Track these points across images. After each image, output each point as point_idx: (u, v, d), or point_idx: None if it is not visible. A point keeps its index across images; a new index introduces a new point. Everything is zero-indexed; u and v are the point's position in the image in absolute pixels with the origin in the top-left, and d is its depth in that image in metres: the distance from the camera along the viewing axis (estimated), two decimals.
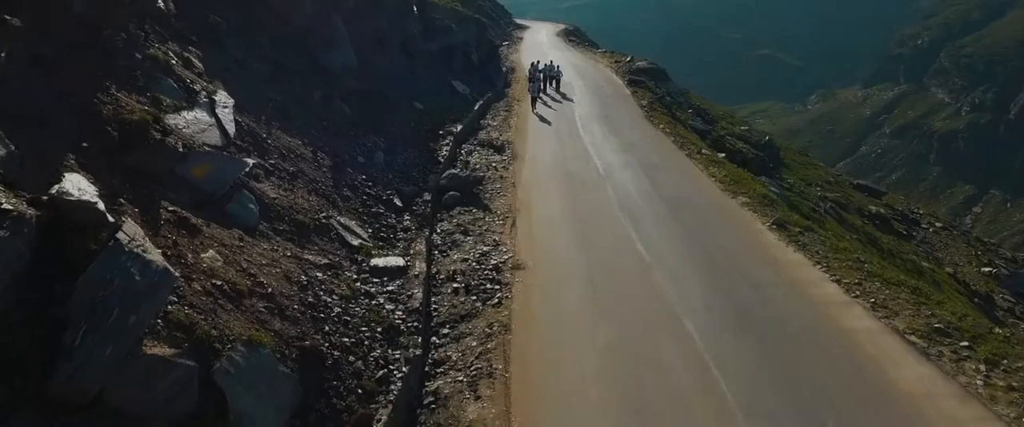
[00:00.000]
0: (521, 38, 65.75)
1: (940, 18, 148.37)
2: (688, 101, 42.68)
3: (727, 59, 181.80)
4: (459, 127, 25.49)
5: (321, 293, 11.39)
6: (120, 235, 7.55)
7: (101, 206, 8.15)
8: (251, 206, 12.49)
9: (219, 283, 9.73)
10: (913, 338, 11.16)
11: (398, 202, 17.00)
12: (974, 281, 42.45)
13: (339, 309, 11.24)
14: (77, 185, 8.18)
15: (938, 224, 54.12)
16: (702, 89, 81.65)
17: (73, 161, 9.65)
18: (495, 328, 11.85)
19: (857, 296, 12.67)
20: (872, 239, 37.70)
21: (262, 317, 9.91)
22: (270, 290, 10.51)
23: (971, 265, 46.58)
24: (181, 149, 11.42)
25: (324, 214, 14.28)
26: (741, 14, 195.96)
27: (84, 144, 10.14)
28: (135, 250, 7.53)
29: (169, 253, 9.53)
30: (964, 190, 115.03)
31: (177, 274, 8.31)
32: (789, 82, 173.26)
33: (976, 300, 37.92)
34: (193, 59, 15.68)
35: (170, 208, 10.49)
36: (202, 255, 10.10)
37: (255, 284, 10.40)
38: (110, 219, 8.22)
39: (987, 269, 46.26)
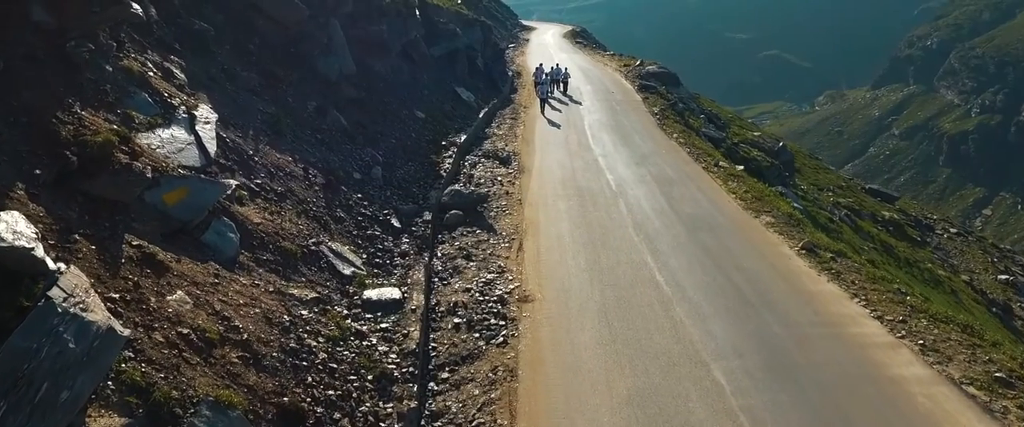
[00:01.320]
0: (527, 40, 64.47)
1: (950, 19, 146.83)
2: (699, 106, 41.41)
3: (734, 60, 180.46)
4: (463, 137, 24.26)
5: (305, 336, 10.18)
6: (54, 292, 6.33)
7: (39, 252, 6.95)
8: (231, 235, 11.28)
9: (185, 332, 8.54)
10: (972, 390, 9.89)
11: (396, 223, 15.79)
12: (991, 289, 41.22)
13: (325, 355, 10.02)
14: (12, 227, 6.97)
15: (952, 230, 52.88)
16: (709, 90, 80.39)
17: (21, 192, 8.48)
18: (500, 373, 10.61)
19: (903, 336, 11.38)
20: (888, 247, 36.50)
21: (235, 370, 8.72)
22: (246, 336, 9.31)
23: (987, 272, 45.34)
24: (149, 175, 10.19)
25: (314, 240, 13.08)
26: (748, 14, 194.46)
27: (36, 171, 8.98)
28: (71, 310, 6.32)
29: (128, 297, 8.37)
30: (974, 192, 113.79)
31: (127, 333, 7.10)
32: (797, 83, 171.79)
33: (994, 309, 36.73)
34: (174, 70, 14.49)
35: (135, 242, 9.31)
36: (168, 298, 8.91)
37: (228, 329, 9.21)
38: (51, 266, 7.03)
39: (1004, 276, 45.05)
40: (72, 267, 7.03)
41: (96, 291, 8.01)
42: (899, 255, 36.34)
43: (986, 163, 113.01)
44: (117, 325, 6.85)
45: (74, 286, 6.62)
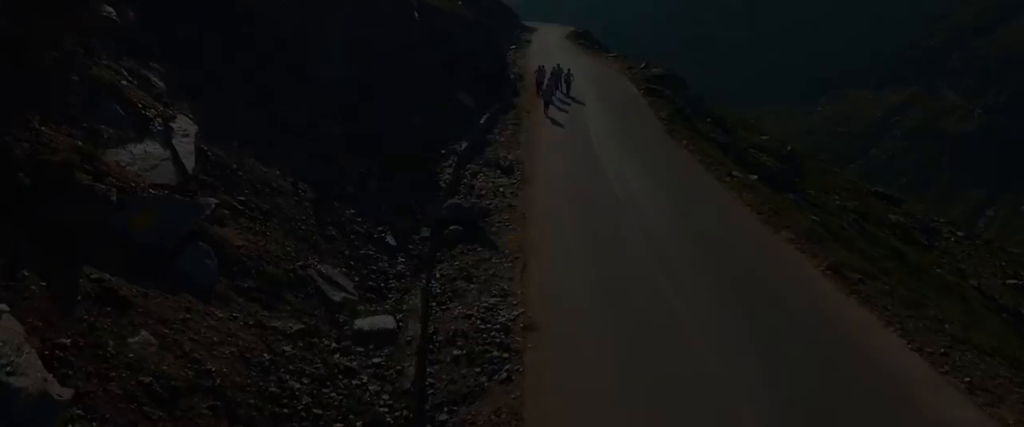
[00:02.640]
0: (529, 41, 63.45)
1: (953, 19, 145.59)
2: (706, 110, 40.42)
3: (735, 60, 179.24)
4: (464, 145, 23.22)
5: (287, 377, 9.14)
6: None
7: None
8: (208, 261, 10.24)
9: (147, 380, 7.50)
10: None
11: (391, 241, 14.76)
12: (1000, 294, 40.17)
13: (309, 398, 8.99)
14: None
15: (959, 233, 51.85)
16: (710, 90, 79.15)
17: None
18: (503, 416, 9.58)
19: (947, 372, 10.35)
20: (898, 253, 35.50)
21: (203, 423, 7.68)
22: (218, 381, 8.27)
23: (996, 277, 44.28)
24: (115, 197, 9.17)
25: (301, 262, 12.05)
26: (749, 15, 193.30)
27: None
28: None
29: (82, 343, 7.33)
30: (977, 193, 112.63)
31: (67, 396, 6.05)
32: (798, 84, 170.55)
33: (1004, 315, 35.71)
34: (153, 78, 13.45)
35: (94, 276, 8.27)
36: (130, 341, 7.86)
37: (198, 374, 8.16)
38: None
39: (1013, 281, 44.01)
40: (3, 318, 6.00)
41: (44, 337, 7.04)
42: (910, 261, 35.37)
43: (989, 164, 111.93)
44: (55, 388, 5.83)
45: (2, 344, 5.60)
